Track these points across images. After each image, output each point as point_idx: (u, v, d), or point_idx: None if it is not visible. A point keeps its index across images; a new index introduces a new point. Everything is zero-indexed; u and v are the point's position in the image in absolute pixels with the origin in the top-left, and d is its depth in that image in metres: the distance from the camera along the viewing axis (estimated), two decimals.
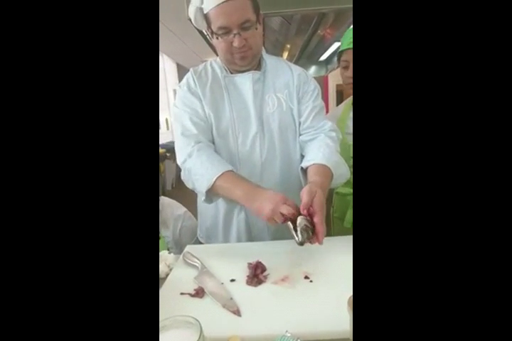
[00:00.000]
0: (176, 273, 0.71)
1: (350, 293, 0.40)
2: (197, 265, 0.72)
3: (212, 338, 0.46)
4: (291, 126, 0.91)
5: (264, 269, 0.68)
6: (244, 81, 0.87)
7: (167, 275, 0.71)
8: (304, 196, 0.68)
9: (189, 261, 0.74)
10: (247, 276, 0.66)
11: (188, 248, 0.84)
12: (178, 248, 1.04)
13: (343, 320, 0.44)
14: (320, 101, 0.93)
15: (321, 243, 0.66)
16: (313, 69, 5.70)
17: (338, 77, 1.19)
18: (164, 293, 0.63)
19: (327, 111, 1.04)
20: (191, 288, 0.63)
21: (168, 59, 6.11)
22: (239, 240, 0.94)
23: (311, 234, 0.65)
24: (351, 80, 1.09)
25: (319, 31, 3.26)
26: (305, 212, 0.66)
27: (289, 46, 4.13)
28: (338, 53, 1.14)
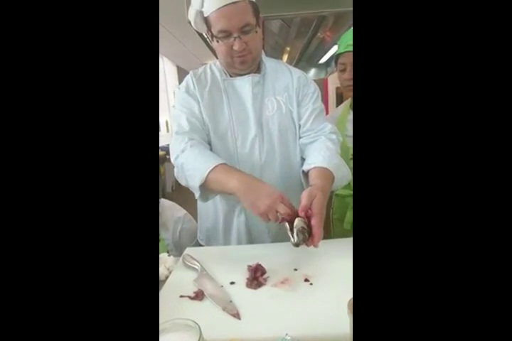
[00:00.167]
0: (175, 276, 0.71)
1: (350, 295, 0.40)
2: (196, 267, 0.72)
3: None
4: (290, 128, 0.91)
5: (264, 272, 0.68)
6: (244, 84, 0.87)
7: (167, 277, 0.71)
8: (304, 198, 0.68)
9: (189, 264, 0.74)
10: (247, 279, 0.66)
11: (188, 250, 0.83)
12: (177, 250, 1.04)
13: (343, 323, 0.44)
14: (320, 104, 0.93)
15: (316, 246, 0.66)
16: (312, 71, 5.71)
17: (338, 79, 1.20)
18: (164, 295, 0.63)
19: (327, 114, 1.04)
20: (191, 290, 0.63)
21: (169, 61, 6.12)
22: (239, 242, 0.94)
23: (307, 236, 0.65)
24: (349, 83, 1.11)
25: (319, 34, 3.27)
26: (303, 214, 0.66)
27: (288, 49, 4.14)
28: (336, 56, 1.15)
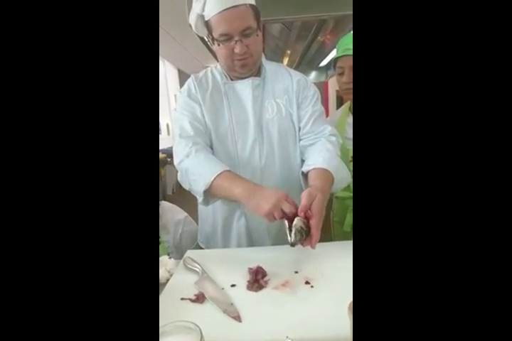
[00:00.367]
0: (176, 278, 0.71)
1: (351, 298, 0.40)
2: (197, 270, 0.72)
3: None
4: (290, 131, 0.91)
5: (264, 274, 0.68)
6: (244, 87, 0.88)
7: (167, 280, 0.71)
8: (304, 199, 0.68)
9: (190, 266, 0.74)
10: (248, 281, 0.66)
11: (189, 253, 0.83)
12: (178, 253, 1.04)
13: (344, 326, 0.44)
14: (319, 106, 0.93)
15: (313, 247, 0.66)
16: (313, 74, 5.73)
17: (336, 82, 1.21)
18: (165, 298, 0.63)
19: (327, 117, 1.05)
20: (192, 293, 0.63)
21: (170, 65, 6.15)
22: (239, 245, 0.94)
23: (304, 236, 0.65)
24: (347, 86, 1.12)
25: (319, 37, 3.29)
26: (302, 214, 0.66)
27: (289, 52, 4.16)
28: (334, 60, 1.17)
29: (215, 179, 0.76)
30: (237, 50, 0.80)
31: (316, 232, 0.65)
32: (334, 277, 0.66)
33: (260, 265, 0.69)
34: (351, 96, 1.15)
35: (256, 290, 0.63)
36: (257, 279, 0.66)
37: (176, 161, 0.85)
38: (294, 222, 0.65)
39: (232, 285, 0.66)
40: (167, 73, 5.99)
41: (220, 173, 0.76)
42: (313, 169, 0.80)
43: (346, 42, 1.10)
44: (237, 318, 0.55)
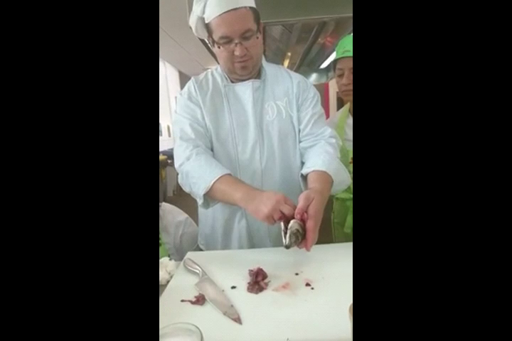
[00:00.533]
0: (176, 280, 0.71)
1: (352, 300, 0.40)
2: (198, 272, 0.72)
3: None
4: (291, 133, 0.91)
5: (265, 276, 0.68)
6: (245, 89, 0.88)
7: (168, 282, 0.71)
8: (301, 201, 0.68)
9: (190, 268, 0.74)
10: (248, 283, 0.66)
11: (189, 254, 0.83)
12: (179, 254, 1.04)
13: (344, 328, 0.44)
14: (319, 108, 0.93)
15: (308, 249, 0.66)
16: (314, 76, 5.74)
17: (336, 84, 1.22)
18: (165, 299, 0.63)
19: (327, 118, 1.05)
20: (192, 295, 0.63)
21: (170, 67, 6.17)
22: (240, 247, 0.94)
23: (300, 238, 0.65)
24: (346, 88, 1.13)
25: (320, 39, 3.30)
26: (298, 216, 0.66)
27: (289, 54, 4.17)
28: (333, 62, 1.17)
29: (215, 182, 0.76)
30: (237, 52, 0.80)
31: (311, 235, 0.65)
32: (335, 279, 0.66)
33: (261, 267, 0.69)
34: (351, 98, 1.16)
35: (256, 292, 0.63)
36: (258, 281, 0.65)
37: (176, 164, 0.86)
38: (290, 225, 0.65)
39: (233, 287, 0.66)
40: (168, 75, 6.00)
41: (220, 177, 0.77)
42: (313, 171, 0.80)
43: (345, 44, 1.11)
44: (238, 320, 0.55)
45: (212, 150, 0.89)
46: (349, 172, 0.89)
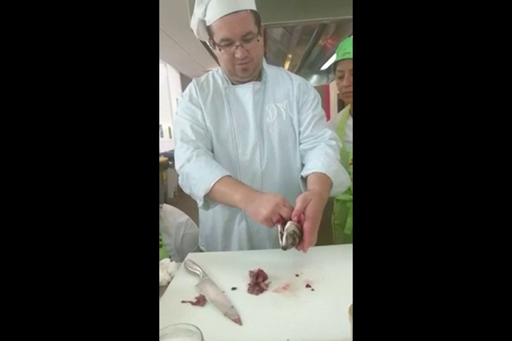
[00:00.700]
0: (177, 281, 0.71)
1: (352, 301, 0.40)
2: (198, 273, 0.72)
3: None
4: (291, 135, 0.91)
5: (265, 277, 0.68)
6: (245, 91, 0.88)
7: (168, 283, 0.71)
8: (298, 203, 0.68)
9: (190, 269, 0.74)
10: (249, 284, 0.66)
11: (190, 256, 0.84)
12: (179, 256, 1.04)
13: (344, 329, 0.44)
14: (320, 110, 0.94)
15: (305, 251, 0.66)
16: (314, 78, 5.75)
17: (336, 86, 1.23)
18: (165, 300, 0.63)
19: (328, 120, 1.06)
20: (192, 296, 0.63)
21: (172, 68, 6.19)
22: (240, 248, 0.94)
23: (297, 240, 0.65)
24: (347, 89, 1.14)
25: (320, 41, 3.30)
26: (295, 218, 0.66)
27: (290, 56, 4.18)
28: (334, 64, 1.18)
29: (215, 184, 0.77)
30: (237, 54, 0.81)
31: (308, 236, 0.65)
32: (335, 280, 0.66)
33: (261, 268, 0.69)
34: (351, 100, 1.16)
35: (257, 293, 0.63)
36: (258, 282, 0.66)
37: (177, 165, 0.86)
38: (286, 226, 0.65)
39: (233, 288, 0.66)
40: (169, 76, 6.02)
41: (221, 178, 0.77)
42: (312, 173, 0.80)
43: (345, 47, 1.12)
44: (238, 321, 0.55)
45: (212, 151, 0.90)
46: (349, 173, 0.89)
